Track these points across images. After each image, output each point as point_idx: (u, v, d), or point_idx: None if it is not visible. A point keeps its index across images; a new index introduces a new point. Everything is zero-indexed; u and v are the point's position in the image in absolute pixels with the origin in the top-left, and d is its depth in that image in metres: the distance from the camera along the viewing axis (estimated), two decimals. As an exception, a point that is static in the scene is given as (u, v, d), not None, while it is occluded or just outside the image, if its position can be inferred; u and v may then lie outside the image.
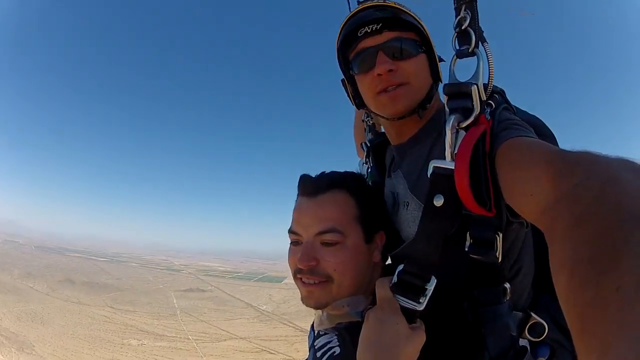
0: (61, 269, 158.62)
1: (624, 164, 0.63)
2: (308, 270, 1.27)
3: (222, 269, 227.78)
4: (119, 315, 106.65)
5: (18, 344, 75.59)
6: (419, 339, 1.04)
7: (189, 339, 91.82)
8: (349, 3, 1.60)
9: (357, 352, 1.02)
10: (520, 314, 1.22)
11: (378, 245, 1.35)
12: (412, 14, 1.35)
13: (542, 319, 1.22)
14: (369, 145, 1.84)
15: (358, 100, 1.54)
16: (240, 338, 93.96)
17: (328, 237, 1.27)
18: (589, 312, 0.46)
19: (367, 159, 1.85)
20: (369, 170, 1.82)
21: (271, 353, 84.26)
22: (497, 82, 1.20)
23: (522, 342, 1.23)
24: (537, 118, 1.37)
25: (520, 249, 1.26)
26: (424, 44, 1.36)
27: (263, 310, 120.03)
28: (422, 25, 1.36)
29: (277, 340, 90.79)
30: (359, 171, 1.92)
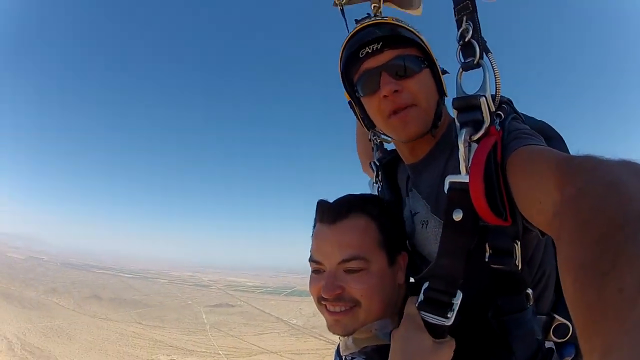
0: (87, 285, 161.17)
1: (627, 167, 0.64)
2: (334, 298, 1.24)
3: (250, 283, 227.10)
4: (148, 331, 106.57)
5: (43, 359, 75.04)
6: (446, 353, 1.05)
7: (219, 354, 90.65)
8: (346, 23, 1.61)
9: None
10: (544, 317, 1.24)
11: (401, 266, 1.34)
12: (411, 29, 1.35)
13: (565, 319, 1.24)
14: (378, 164, 1.80)
15: (367, 122, 1.56)
16: (271, 352, 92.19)
17: (352, 265, 1.24)
18: (592, 314, 0.47)
19: (377, 179, 1.81)
20: (379, 189, 1.79)
21: None
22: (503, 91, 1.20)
23: (548, 344, 1.25)
24: (545, 123, 1.37)
25: (542, 254, 1.27)
26: (426, 59, 1.35)
27: (293, 324, 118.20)
28: (422, 40, 1.35)
29: (309, 353, 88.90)
30: (370, 191, 1.92)
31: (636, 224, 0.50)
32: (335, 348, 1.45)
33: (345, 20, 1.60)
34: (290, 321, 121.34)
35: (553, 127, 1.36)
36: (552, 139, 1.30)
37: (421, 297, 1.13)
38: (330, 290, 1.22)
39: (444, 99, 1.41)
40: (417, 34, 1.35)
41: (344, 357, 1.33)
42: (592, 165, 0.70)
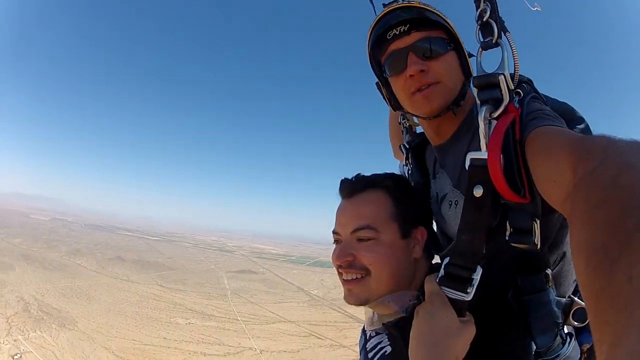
0: (111, 247, 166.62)
1: (638, 148, 0.63)
2: (347, 265, 1.31)
3: (274, 251, 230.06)
4: (168, 294, 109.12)
5: (60, 320, 78.91)
6: (469, 332, 1.06)
7: (237, 320, 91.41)
8: (373, 6, 1.62)
9: (410, 348, 1.05)
10: (564, 299, 1.23)
11: (419, 241, 1.36)
12: (438, 12, 1.39)
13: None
14: (407, 147, 1.85)
15: (394, 102, 1.58)
16: (289, 321, 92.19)
17: (362, 234, 1.31)
18: (601, 301, 0.47)
19: (407, 161, 1.86)
20: (410, 172, 1.83)
21: (319, 338, 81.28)
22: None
23: (568, 328, 1.25)
24: (567, 104, 1.37)
25: (563, 236, 1.28)
26: (452, 41, 1.39)
27: (314, 294, 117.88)
28: (448, 23, 1.39)
29: (326, 325, 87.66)
30: (400, 173, 1.96)
31: None
32: (362, 327, 1.49)
33: (373, 5, 1.60)
34: (311, 291, 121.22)
35: (576, 109, 1.35)
36: (574, 121, 1.31)
37: (442, 272, 1.16)
38: (342, 257, 1.30)
39: (470, 81, 1.42)
40: (443, 17, 1.38)
41: (368, 334, 1.38)
42: (604, 145, 0.69)
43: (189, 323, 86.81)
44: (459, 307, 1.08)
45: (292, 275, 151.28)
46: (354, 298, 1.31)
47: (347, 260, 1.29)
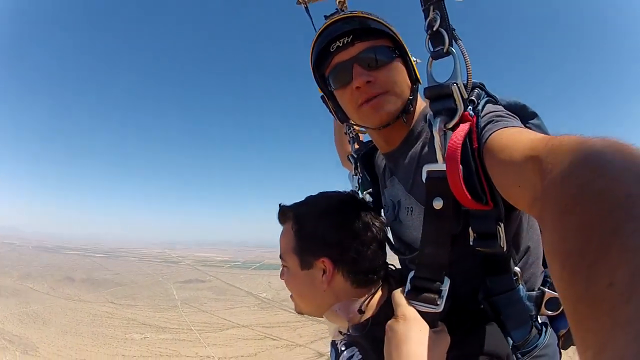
0: (60, 268, 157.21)
1: (610, 146, 0.58)
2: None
3: (219, 258, 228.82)
4: (121, 310, 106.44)
5: (22, 346, 74.86)
6: (444, 342, 1.04)
7: (191, 329, 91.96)
8: (312, 21, 1.61)
9: None
10: (535, 292, 1.23)
11: (325, 270, 1.31)
12: (381, 21, 1.34)
13: (556, 292, 1.22)
14: (355, 156, 1.83)
15: (340, 115, 1.53)
16: (243, 326, 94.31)
17: (282, 264, 1.41)
18: (582, 308, 0.45)
19: (356, 171, 1.84)
20: (360, 181, 1.82)
21: (274, 339, 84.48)
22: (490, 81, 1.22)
23: (542, 318, 1.26)
24: (518, 101, 1.33)
25: (525, 231, 1.27)
26: (397, 48, 1.35)
27: (263, 297, 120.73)
28: (392, 30, 1.34)
29: (279, 326, 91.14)
30: (350, 183, 1.98)
31: (623, 211, 0.46)
32: (331, 341, 1.49)
33: (311, 18, 1.65)
34: (260, 295, 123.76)
35: (527, 105, 1.33)
36: (527, 117, 1.29)
37: (408, 286, 1.13)
38: (281, 276, 1.43)
39: (417, 87, 1.41)
40: (386, 25, 1.34)
41: (339, 347, 1.35)
42: (572, 145, 0.65)
43: (145, 338, 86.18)
44: (431, 319, 1.06)
45: (239, 280, 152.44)
46: (295, 308, 1.44)
47: (283, 279, 1.40)
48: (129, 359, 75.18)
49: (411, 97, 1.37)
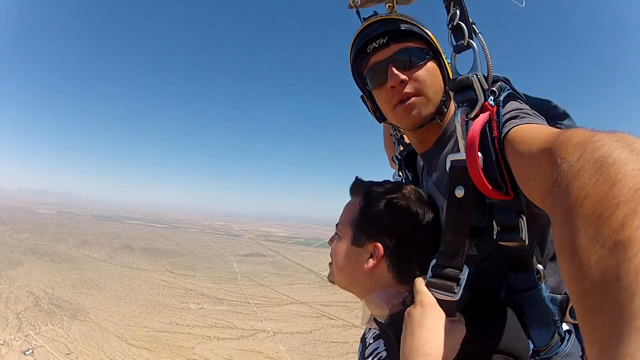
0: (119, 236, 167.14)
1: (619, 140, 0.59)
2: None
3: (282, 234, 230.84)
4: (179, 280, 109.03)
5: (71, 312, 78.41)
6: (459, 332, 1.05)
7: (249, 302, 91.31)
8: (360, 19, 1.63)
9: (400, 350, 1.05)
10: (559, 296, 1.21)
11: (373, 254, 1.34)
12: (415, 23, 1.41)
13: None
14: (399, 157, 1.90)
15: (378, 115, 1.60)
16: (301, 303, 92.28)
17: (335, 230, 1.45)
18: (589, 302, 0.45)
19: (400, 172, 1.91)
20: (403, 182, 1.83)
21: (331, 318, 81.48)
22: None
23: (568, 325, 1.23)
24: (549, 101, 1.36)
25: (552, 234, 1.28)
26: (431, 50, 1.41)
27: (324, 275, 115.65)
28: (427, 32, 1.41)
29: (337, 305, 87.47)
30: None
31: (632, 203, 0.47)
32: (361, 336, 1.55)
33: (362, 21, 1.59)
34: (321, 273, 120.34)
35: (558, 105, 1.34)
36: (557, 117, 1.30)
37: (429, 274, 1.15)
38: (329, 241, 1.46)
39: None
40: (421, 27, 1.41)
41: (367, 342, 1.43)
42: (582, 139, 0.67)
43: (201, 308, 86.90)
44: (448, 308, 1.07)
45: (301, 257, 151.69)
46: (329, 276, 1.46)
47: (330, 246, 1.45)
48: (183, 328, 75.43)
49: (444, 99, 1.42)
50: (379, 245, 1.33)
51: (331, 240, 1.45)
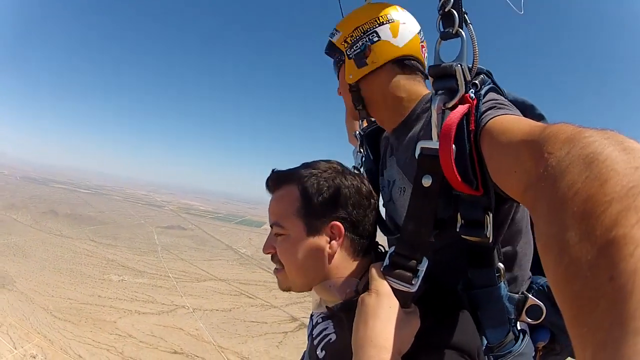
0: (45, 200, 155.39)
1: (609, 138, 0.58)
2: (271, 257, 1.33)
3: (203, 208, 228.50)
4: (101, 250, 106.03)
5: (0, 280, 74.67)
6: (413, 324, 1.02)
7: (169, 277, 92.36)
8: (341, 8, 1.76)
9: (352, 337, 1.01)
10: (517, 295, 1.19)
11: (334, 236, 1.27)
12: (332, 40, 1.56)
13: (541, 301, 1.18)
14: (362, 134, 1.87)
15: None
16: (220, 280, 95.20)
17: (275, 230, 1.31)
18: (581, 303, 0.43)
19: (361, 148, 1.87)
20: (363, 159, 1.85)
21: (250, 297, 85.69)
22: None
23: (522, 325, 1.23)
24: (527, 100, 1.34)
25: (515, 231, 1.26)
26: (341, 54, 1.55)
27: (242, 253, 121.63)
28: (335, 39, 1.55)
29: (256, 284, 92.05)
30: (354, 159, 1.99)
31: (622, 203, 0.45)
32: (310, 313, 1.49)
33: (340, 6, 1.73)
34: (240, 250, 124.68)
35: (535, 105, 1.33)
36: (533, 118, 1.23)
37: (387, 261, 1.11)
38: (265, 249, 1.32)
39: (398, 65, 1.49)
40: (333, 40, 1.56)
41: (315, 320, 1.37)
42: (571, 134, 0.64)
43: (122, 280, 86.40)
44: (404, 299, 1.03)
45: (220, 232, 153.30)
46: (280, 285, 1.34)
47: (269, 252, 1.31)
48: (105, 300, 75.23)
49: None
50: (338, 223, 1.28)
51: (269, 245, 1.30)
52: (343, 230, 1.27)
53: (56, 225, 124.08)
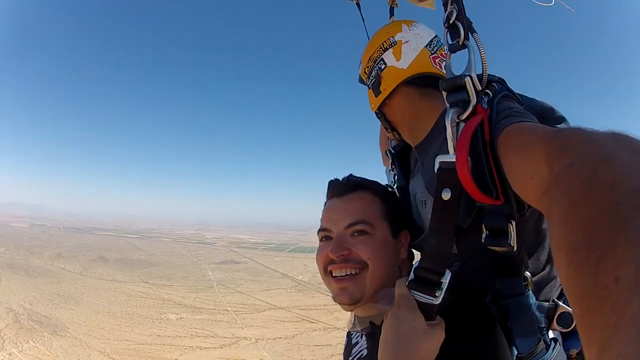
0: (92, 248, 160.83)
1: (619, 140, 0.59)
2: (341, 259, 1.29)
3: (253, 240, 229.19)
4: (155, 290, 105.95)
5: (51, 327, 74.30)
6: (438, 336, 1.03)
7: (228, 310, 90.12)
8: (362, 17, 1.79)
9: (379, 352, 1.04)
10: (547, 303, 1.21)
11: (403, 244, 1.38)
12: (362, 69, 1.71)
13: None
14: (392, 152, 1.90)
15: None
16: (280, 308, 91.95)
17: (358, 228, 1.31)
18: (588, 303, 0.44)
19: (392, 166, 1.91)
20: (395, 177, 1.90)
21: (311, 322, 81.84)
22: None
23: (553, 333, 1.22)
24: (545, 103, 1.35)
25: (543, 238, 1.28)
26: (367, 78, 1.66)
27: (299, 280, 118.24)
28: (364, 64, 1.68)
29: (317, 309, 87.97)
30: (387, 178, 2.06)
31: (630, 205, 0.46)
32: (347, 332, 1.51)
33: (362, 15, 1.72)
34: (296, 277, 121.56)
35: (555, 108, 1.33)
36: (554, 120, 1.29)
37: (411, 275, 1.14)
38: (338, 251, 1.28)
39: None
40: (362, 68, 1.69)
41: (353, 340, 1.38)
42: (581, 138, 0.66)
43: (180, 318, 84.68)
44: (428, 311, 1.06)
45: (274, 262, 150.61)
46: (348, 296, 1.27)
47: (342, 255, 1.28)
48: (164, 339, 73.31)
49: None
50: (407, 232, 1.36)
51: (340, 246, 1.29)
52: (409, 238, 1.32)
53: (107, 271, 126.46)
